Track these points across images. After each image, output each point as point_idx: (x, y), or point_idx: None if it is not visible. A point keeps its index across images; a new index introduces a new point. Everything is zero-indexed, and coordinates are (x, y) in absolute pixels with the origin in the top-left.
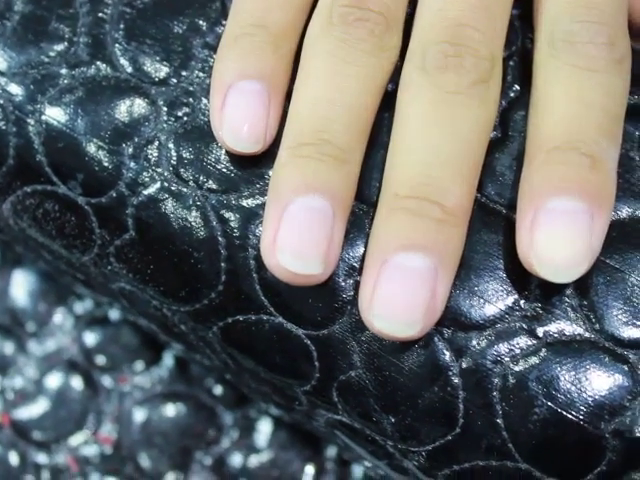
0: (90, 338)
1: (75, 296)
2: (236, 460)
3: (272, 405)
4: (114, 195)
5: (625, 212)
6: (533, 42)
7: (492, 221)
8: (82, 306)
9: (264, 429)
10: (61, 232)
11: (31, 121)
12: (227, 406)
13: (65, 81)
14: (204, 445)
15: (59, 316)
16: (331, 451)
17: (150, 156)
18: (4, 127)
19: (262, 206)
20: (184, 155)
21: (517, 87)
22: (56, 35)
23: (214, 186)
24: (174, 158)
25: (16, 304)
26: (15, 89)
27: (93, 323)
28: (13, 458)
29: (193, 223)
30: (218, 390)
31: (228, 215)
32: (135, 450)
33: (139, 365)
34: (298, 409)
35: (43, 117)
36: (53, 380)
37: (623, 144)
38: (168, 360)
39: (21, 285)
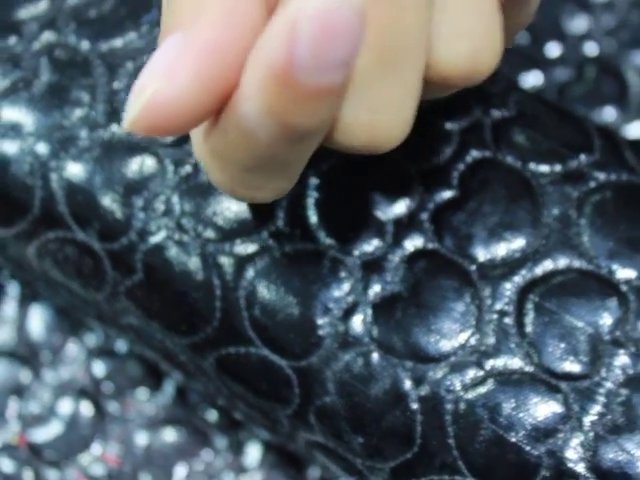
0: (99, 368)
1: (86, 329)
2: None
3: (260, 428)
4: (125, 242)
5: (562, 262)
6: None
7: (448, 269)
8: (92, 339)
9: (253, 452)
10: (79, 273)
11: (54, 176)
12: (220, 430)
13: (85, 142)
14: (199, 465)
15: (72, 347)
16: (314, 472)
17: (157, 208)
18: (31, 181)
19: (253, 253)
20: (186, 208)
21: (476, 153)
22: (78, 101)
23: (212, 235)
24: (178, 210)
25: (33, 336)
26: (41, 148)
27: (102, 354)
28: (27, 475)
29: (193, 267)
30: (213, 416)
31: (223, 261)
32: (138, 469)
33: (142, 392)
34: (281, 431)
35: (65, 173)
36: (65, 405)
37: (563, 203)
38: (169, 388)
39: (38, 318)
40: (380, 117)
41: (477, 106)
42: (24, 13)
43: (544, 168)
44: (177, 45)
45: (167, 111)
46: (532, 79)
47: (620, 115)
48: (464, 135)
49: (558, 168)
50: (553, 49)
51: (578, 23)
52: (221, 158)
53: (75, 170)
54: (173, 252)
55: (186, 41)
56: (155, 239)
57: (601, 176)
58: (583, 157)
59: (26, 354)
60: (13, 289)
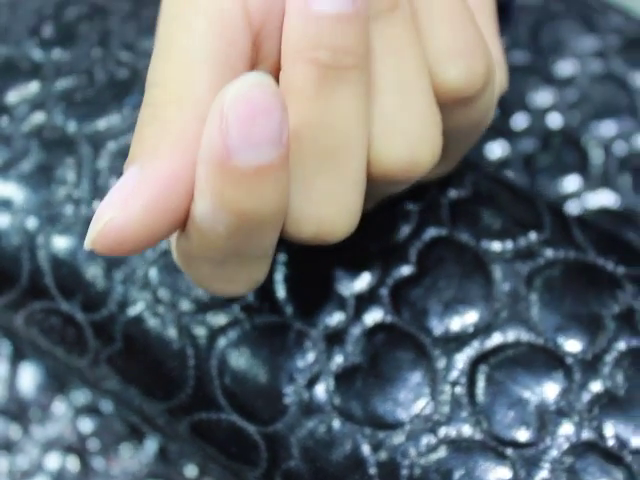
0: (85, 425)
1: (73, 388)
2: None
3: None
4: (106, 313)
5: (512, 336)
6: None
7: (405, 342)
8: (79, 397)
9: None
10: (63, 341)
11: (41, 250)
12: None
13: (70, 218)
14: None
15: (59, 405)
16: None
17: (136, 281)
18: (19, 254)
19: (224, 325)
20: (163, 281)
21: (433, 232)
22: (64, 180)
23: (187, 308)
24: (155, 283)
25: (23, 393)
26: (30, 223)
27: (88, 412)
28: None
29: (168, 337)
30: (193, 472)
31: (197, 331)
32: None
33: (126, 449)
34: None
35: (51, 247)
36: (52, 461)
37: (514, 279)
38: (151, 445)
39: (28, 377)
40: (325, 210)
41: (435, 187)
42: (15, 95)
43: (496, 246)
44: (134, 177)
45: (120, 237)
46: (499, 149)
47: (582, 184)
48: (422, 214)
49: (509, 245)
50: (519, 121)
51: (543, 96)
52: (191, 258)
53: (60, 244)
54: (150, 323)
55: (142, 174)
56: (134, 310)
57: (550, 253)
58: (533, 235)
59: (16, 411)
60: (5, 348)
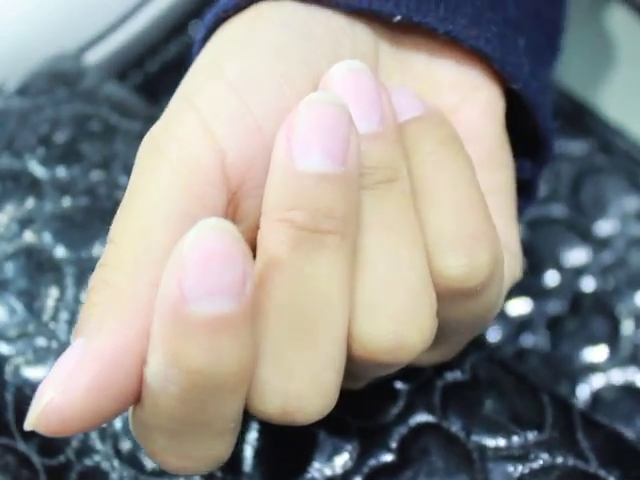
0: None
1: None
2: None
3: None
4: (62, 459)
5: None
6: None
7: None
8: None
9: None
10: None
11: (8, 381)
12: None
13: (41, 351)
14: None
15: None
16: None
17: (98, 430)
18: None
19: None
20: (127, 434)
21: (421, 418)
22: (42, 309)
23: (146, 465)
24: (117, 435)
25: None
26: (1, 349)
27: None
28: None
29: None
30: None
31: None
32: None
33: None
34: None
35: (19, 378)
36: None
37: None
38: None
39: None
40: (295, 386)
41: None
42: (8, 212)
43: (488, 441)
44: (78, 352)
45: (61, 419)
46: (521, 307)
47: (609, 357)
48: (412, 396)
49: (502, 443)
50: (549, 279)
51: (577, 255)
52: (145, 427)
53: (28, 376)
54: (106, 476)
55: (86, 349)
56: (90, 461)
57: (546, 458)
58: (531, 435)
59: None
60: None
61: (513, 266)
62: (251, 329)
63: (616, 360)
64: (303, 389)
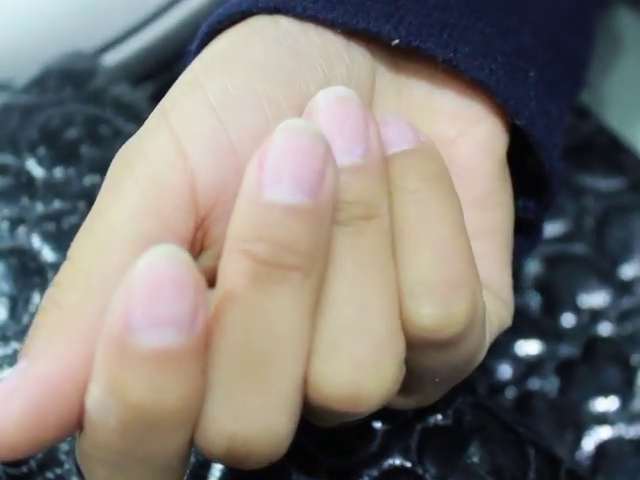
0: None
1: None
2: None
3: None
4: (25, 470)
5: None
6: None
7: None
8: None
9: None
10: None
11: None
12: None
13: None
14: None
15: None
16: None
17: (64, 445)
18: None
19: None
20: None
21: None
22: (24, 314)
23: None
24: None
25: None
26: None
27: None
28: None
29: None
30: None
31: None
32: None
33: None
34: None
35: None
36: None
37: None
38: None
39: None
40: (242, 427)
41: None
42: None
43: None
44: (20, 373)
45: None
46: (531, 348)
47: (620, 409)
48: (388, 437)
49: None
50: (566, 321)
51: (596, 298)
52: (87, 457)
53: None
54: None
55: (28, 371)
56: (52, 474)
57: None
58: None
59: None
60: None
61: (503, 314)
62: (199, 365)
63: (627, 413)
64: (251, 432)
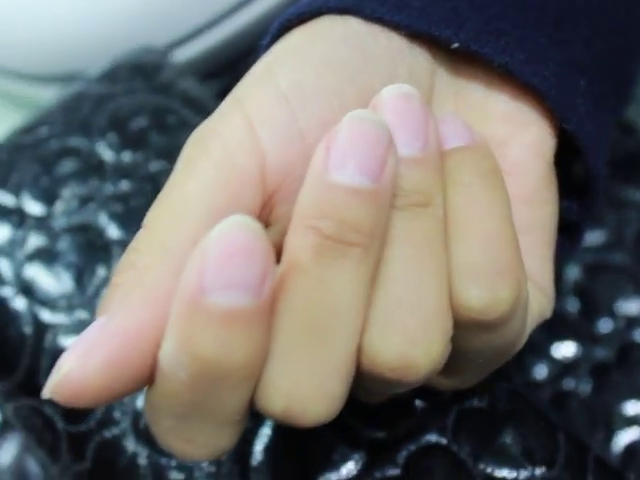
0: None
1: None
2: None
3: None
4: (84, 428)
5: None
6: None
7: None
8: None
9: None
10: (40, 443)
11: (45, 348)
12: None
13: (81, 323)
14: None
15: None
16: None
17: (123, 404)
18: (24, 346)
19: (187, 479)
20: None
21: (430, 437)
22: (87, 284)
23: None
24: (139, 412)
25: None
26: (44, 316)
27: None
28: None
29: (134, 470)
30: None
31: (163, 474)
32: None
33: None
34: None
35: (55, 346)
36: None
37: None
38: None
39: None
40: (299, 389)
41: None
42: (71, 188)
43: (495, 471)
44: (100, 328)
45: (77, 390)
46: (567, 350)
47: None
48: (426, 415)
49: (510, 475)
50: (602, 326)
51: (633, 305)
52: (156, 408)
53: (64, 345)
54: (121, 450)
55: (107, 326)
56: (109, 433)
57: None
58: (539, 471)
59: None
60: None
61: (544, 305)
62: (264, 327)
63: None
64: (307, 394)
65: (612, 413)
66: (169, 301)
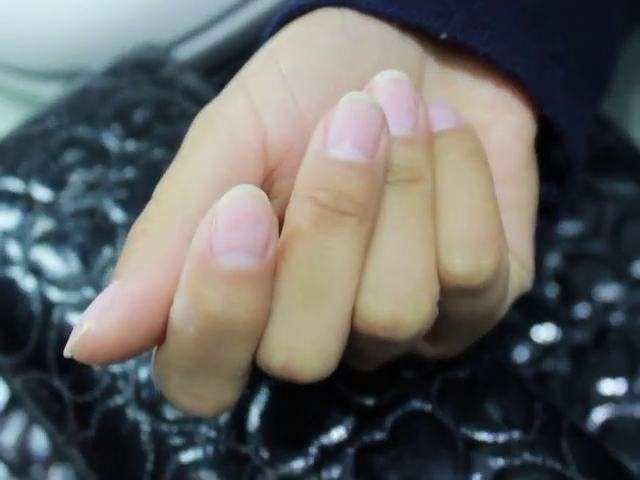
0: None
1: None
2: None
3: None
4: (89, 398)
5: None
6: None
7: None
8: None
9: None
10: (48, 414)
11: (54, 324)
12: None
13: (88, 301)
14: None
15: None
16: None
17: (126, 374)
18: (32, 322)
19: (190, 442)
20: (147, 384)
21: (416, 404)
22: (93, 265)
23: (164, 414)
24: (141, 383)
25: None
26: (52, 295)
27: None
28: None
29: (136, 439)
30: None
31: (164, 440)
32: None
33: None
34: None
35: (64, 323)
36: None
37: (481, 472)
38: None
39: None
40: (298, 344)
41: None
42: (77, 175)
43: (475, 435)
44: (115, 290)
45: (96, 348)
46: (546, 333)
47: (627, 392)
48: (412, 384)
49: (489, 438)
50: (580, 310)
51: (610, 291)
52: (165, 364)
53: (72, 322)
54: (124, 418)
55: (122, 289)
56: (113, 402)
57: (528, 457)
58: (517, 434)
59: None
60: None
61: (524, 277)
62: (267, 288)
63: (633, 394)
64: (306, 349)
65: (589, 392)
66: (179, 265)
